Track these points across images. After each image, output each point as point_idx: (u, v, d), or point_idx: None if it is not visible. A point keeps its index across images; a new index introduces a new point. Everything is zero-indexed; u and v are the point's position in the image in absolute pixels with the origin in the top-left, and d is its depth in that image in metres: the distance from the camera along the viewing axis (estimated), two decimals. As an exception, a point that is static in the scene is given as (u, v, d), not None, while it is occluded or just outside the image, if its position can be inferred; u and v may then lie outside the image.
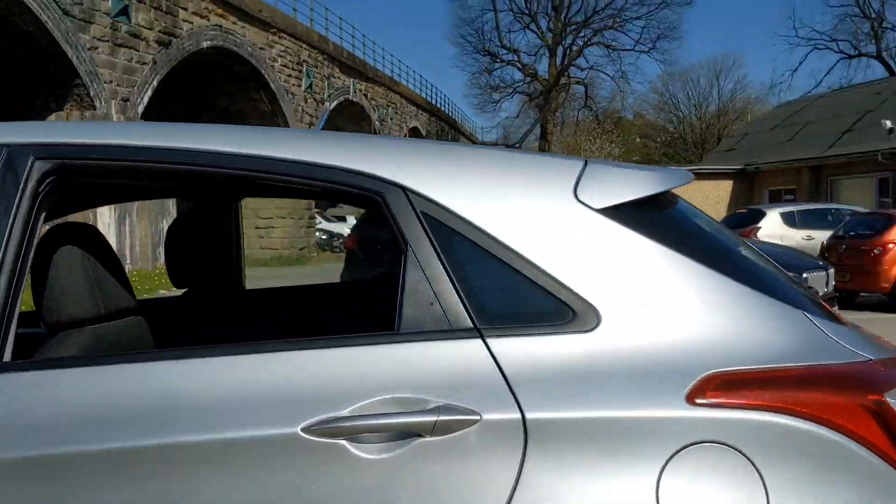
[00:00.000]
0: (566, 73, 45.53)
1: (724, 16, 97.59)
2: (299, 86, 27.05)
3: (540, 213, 1.56)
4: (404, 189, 1.57)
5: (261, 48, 24.03)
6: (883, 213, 14.09)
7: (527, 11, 45.18)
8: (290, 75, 26.26)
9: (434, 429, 1.38)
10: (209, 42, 21.03)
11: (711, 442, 1.38)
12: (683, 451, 1.37)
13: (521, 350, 1.45)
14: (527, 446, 1.38)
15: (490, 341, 1.45)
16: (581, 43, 45.44)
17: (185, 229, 2.62)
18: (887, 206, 22.17)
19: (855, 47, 45.60)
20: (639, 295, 1.49)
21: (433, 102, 48.77)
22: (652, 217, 1.61)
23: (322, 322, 2.76)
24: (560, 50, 45.23)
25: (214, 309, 2.64)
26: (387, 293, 2.96)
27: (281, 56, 25.53)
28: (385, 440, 1.40)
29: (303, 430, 1.40)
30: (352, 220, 34.13)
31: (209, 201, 2.74)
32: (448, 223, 1.54)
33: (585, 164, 1.63)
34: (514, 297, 1.51)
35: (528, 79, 46.92)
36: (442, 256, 1.52)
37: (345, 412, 1.41)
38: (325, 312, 2.84)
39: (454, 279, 1.50)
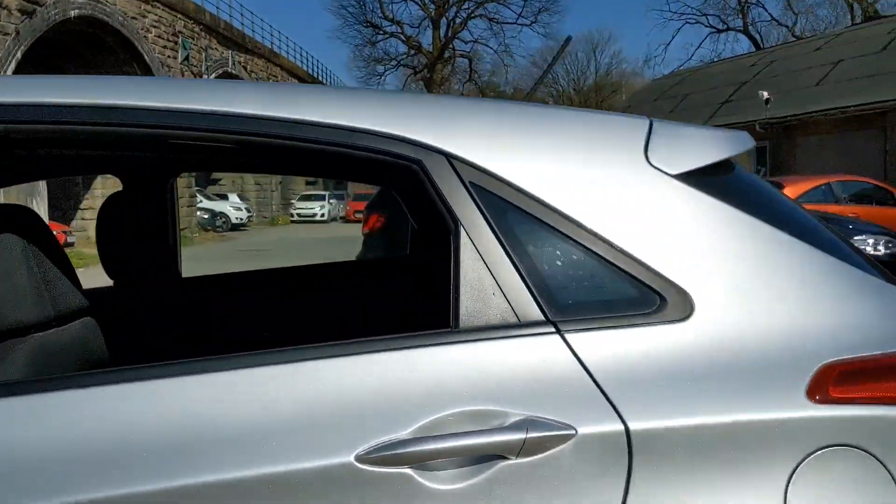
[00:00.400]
0: (450, 46, 45.41)
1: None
2: (175, 58, 25.71)
3: (609, 182, 1.31)
4: (447, 155, 1.29)
5: (133, 17, 22.65)
6: (771, 182, 14.67)
7: (409, -18, 44.76)
8: (165, 47, 24.90)
9: (522, 449, 1.13)
10: (77, 11, 19.63)
11: (839, 445, 1.18)
12: (810, 457, 1.17)
13: (607, 346, 1.21)
14: (632, 463, 1.15)
15: (569, 337, 1.20)
16: (464, 15, 45.44)
17: (118, 213, 2.25)
18: (763, 174, 23.25)
19: (723, 21, 47.41)
20: (732, 276, 1.27)
21: (315, 75, 47.54)
22: (729, 184, 1.40)
23: (282, 313, 2.45)
24: (444, 22, 45.07)
25: (159, 302, 2.28)
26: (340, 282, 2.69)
27: (155, 26, 24.16)
28: (460, 465, 1.13)
29: (357, 458, 1.12)
30: (234, 199, 32.79)
31: (142, 179, 2.36)
32: (503, 195, 1.28)
33: (651, 124, 1.40)
34: (590, 282, 1.26)
35: (413, 51, 46.59)
36: (500, 236, 1.25)
37: (406, 433, 1.13)
38: (280, 303, 2.52)
39: (517, 263, 1.24)
